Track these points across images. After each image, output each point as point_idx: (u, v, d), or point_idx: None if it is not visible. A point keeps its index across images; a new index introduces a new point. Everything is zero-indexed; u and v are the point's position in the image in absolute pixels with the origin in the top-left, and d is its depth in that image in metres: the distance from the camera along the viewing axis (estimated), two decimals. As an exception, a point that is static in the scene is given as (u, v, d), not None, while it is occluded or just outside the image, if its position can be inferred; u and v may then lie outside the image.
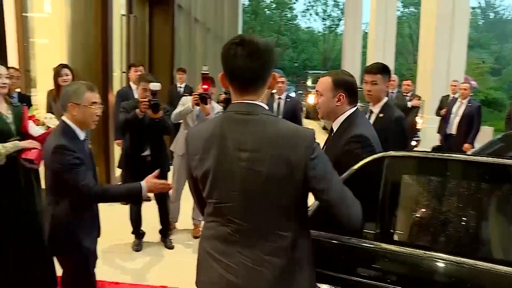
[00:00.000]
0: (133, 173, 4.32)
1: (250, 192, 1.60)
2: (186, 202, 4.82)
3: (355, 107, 2.43)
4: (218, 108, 4.74)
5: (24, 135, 3.23)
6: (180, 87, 7.89)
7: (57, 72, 4.86)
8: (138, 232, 4.70)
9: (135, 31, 7.77)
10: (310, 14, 48.71)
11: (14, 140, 3.15)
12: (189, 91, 7.53)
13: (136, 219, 4.67)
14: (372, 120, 3.40)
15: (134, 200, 4.32)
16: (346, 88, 2.40)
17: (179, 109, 4.69)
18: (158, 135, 4.58)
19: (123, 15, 7.59)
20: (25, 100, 4.68)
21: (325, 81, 2.41)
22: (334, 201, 1.64)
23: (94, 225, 2.73)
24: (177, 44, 8.99)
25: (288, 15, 47.09)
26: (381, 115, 3.36)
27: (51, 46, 6.69)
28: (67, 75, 4.84)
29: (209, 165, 1.64)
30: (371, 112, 3.44)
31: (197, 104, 4.45)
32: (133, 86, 5.77)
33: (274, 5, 45.80)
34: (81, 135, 2.56)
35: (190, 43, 10.51)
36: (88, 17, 5.94)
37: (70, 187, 2.45)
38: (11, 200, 3.21)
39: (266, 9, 45.71)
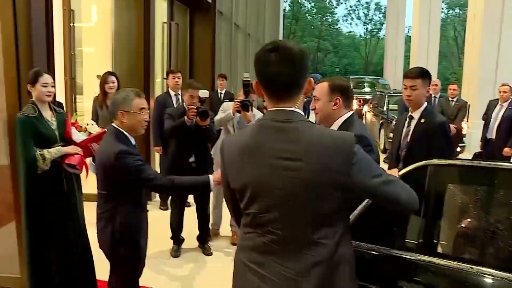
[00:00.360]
0: None
1: (291, 201, 1.55)
2: (225, 209, 4.79)
3: (352, 112, 2.57)
4: (259, 115, 4.71)
5: (67, 141, 3.33)
6: (221, 93, 7.95)
7: (104, 80, 5.03)
8: (177, 238, 4.71)
9: (176, 38, 7.86)
10: (352, 19, 48.26)
11: (58, 146, 3.24)
12: (229, 97, 7.61)
13: (177, 225, 4.68)
14: (412, 126, 3.31)
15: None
16: (342, 92, 2.52)
17: (220, 115, 4.69)
18: (203, 142, 4.60)
19: (165, 22, 7.71)
20: (60, 106, 4.77)
21: (322, 86, 2.54)
22: (390, 195, 1.60)
23: (146, 229, 2.80)
24: (217, 50, 9.05)
25: (329, 19, 46.79)
26: (422, 120, 3.25)
27: (97, 54, 6.87)
28: (113, 83, 4.99)
29: (247, 177, 1.60)
30: (411, 118, 3.33)
31: (238, 111, 4.44)
32: (172, 92, 5.82)
33: (315, 10, 45.59)
34: (132, 140, 2.64)
35: (231, 49, 10.56)
36: (132, 25, 6.05)
37: (140, 186, 2.60)
38: (55, 204, 3.29)
39: (307, 14, 45.53)
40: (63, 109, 5.01)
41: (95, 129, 3.49)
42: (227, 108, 4.68)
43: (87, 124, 3.55)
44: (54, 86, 3.32)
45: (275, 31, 20.74)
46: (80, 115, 3.68)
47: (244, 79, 4.36)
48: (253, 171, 1.58)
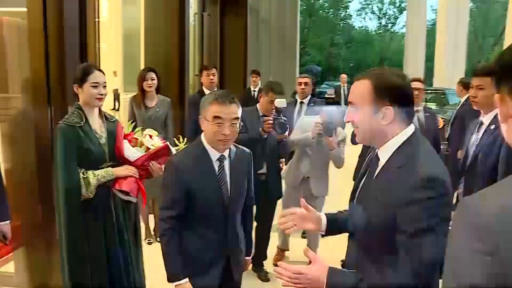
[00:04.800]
0: None
1: None
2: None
3: (412, 128, 1.56)
4: (343, 133, 4.03)
5: (118, 159, 2.64)
6: (254, 90, 7.47)
7: (142, 77, 4.40)
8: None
9: (208, 30, 7.27)
10: (366, 13, 47.49)
11: (107, 167, 2.58)
12: None
13: None
14: (480, 133, 2.88)
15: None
16: (394, 96, 1.50)
17: (296, 134, 3.96)
18: (276, 154, 3.94)
19: (196, 13, 7.12)
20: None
21: (361, 87, 1.55)
22: None
23: None
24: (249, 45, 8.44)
25: (342, 14, 46.21)
26: (492, 126, 2.81)
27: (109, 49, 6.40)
28: (152, 80, 4.38)
29: None
30: (481, 123, 2.91)
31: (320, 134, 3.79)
32: (206, 91, 5.15)
33: (327, 4, 45.03)
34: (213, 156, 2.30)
35: (258, 45, 9.95)
36: (166, 18, 5.45)
37: None
38: (101, 238, 2.64)
39: (320, 10, 44.95)
40: None
41: (153, 142, 2.71)
42: (305, 126, 3.93)
43: (144, 135, 2.74)
44: (105, 87, 2.60)
45: (293, 26, 20.13)
46: (137, 129, 2.82)
47: (327, 96, 3.72)
48: None
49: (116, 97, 16.73)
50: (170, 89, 5.08)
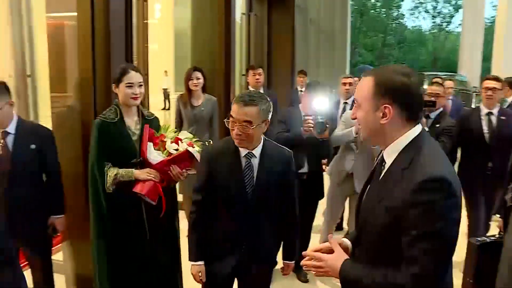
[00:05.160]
0: None
1: None
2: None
3: (419, 128, 1.49)
4: None
5: (143, 160, 2.70)
6: (301, 90, 7.37)
7: (188, 76, 4.48)
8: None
9: (255, 30, 7.27)
10: (419, 12, 46.18)
11: (137, 163, 2.69)
12: None
13: None
14: None
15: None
16: (396, 94, 1.45)
17: (340, 130, 3.89)
18: (317, 154, 3.88)
19: (243, 13, 7.12)
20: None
21: (364, 84, 1.50)
22: None
23: None
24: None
25: (394, 14, 45.11)
26: None
27: (161, 50, 6.57)
28: (198, 79, 4.46)
29: None
30: None
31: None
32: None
33: (379, 4, 44.10)
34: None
35: (306, 45, 9.86)
36: (212, 17, 5.46)
37: None
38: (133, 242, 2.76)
39: (371, 9, 44.08)
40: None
41: (179, 147, 2.69)
42: (349, 121, 3.83)
43: (171, 139, 2.71)
44: (142, 86, 2.67)
45: (344, 26, 19.82)
46: (166, 128, 2.83)
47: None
48: None
49: (166, 96, 17.05)
50: (216, 89, 5.09)
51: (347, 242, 1.69)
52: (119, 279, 2.72)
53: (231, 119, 2.19)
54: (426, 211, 1.31)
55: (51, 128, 3.18)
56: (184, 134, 2.81)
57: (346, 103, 5.06)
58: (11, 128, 2.71)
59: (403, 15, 45.58)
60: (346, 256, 1.50)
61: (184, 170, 2.68)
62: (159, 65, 14.93)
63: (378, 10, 44.59)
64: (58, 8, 3.53)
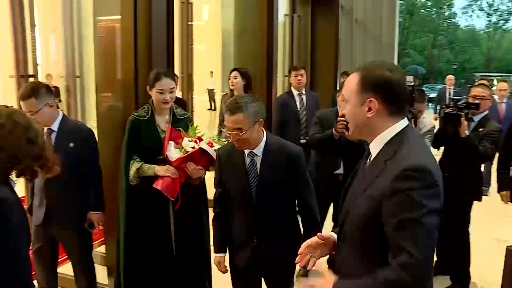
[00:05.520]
0: (326, 190, 3.72)
1: None
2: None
3: (405, 123, 1.52)
4: (428, 125, 3.91)
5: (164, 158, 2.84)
6: None
7: (229, 76, 4.66)
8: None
9: (298, 32, 7.26)
10: (473, 10, 44.53)
11: (158, 162, 2.83)
12: None
13: None
14: None
15: None
16: (379, 88, 1.48)
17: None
18: (354, 155, 3.87)
19: (286, 15, 7.14)
20: (181, 104, 4.45)
21: (351, 80, 1.55)
22: None
23: None
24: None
25: (445, 13, 43.76)
26: None
27: (207, 50, 6.70)
28: (235, 78, 4.57)
29: None
30: None
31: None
32: (294, 92, 5.18)
33: (430, 3, 42.89)
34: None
35: (351, 46, 9.74)
36: (255, 18, 5.51)
37: None
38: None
39: (421, 8, 42.94)
40: (184, 108, 4.66)
41: (197, 145, 2.80)
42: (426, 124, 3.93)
43: (191, 138, 2.82)
44: (173, 91, 2.88)
45: (391, 26, 19.43)
46: (194, 130, 2.92)
47: (408, 83, 3.58)
48: None
49: (211, 97, 17.27)
50: (258, 89, 5.12)
51: (334, 236, 1.70)
52: (137, 275, 2.91)
53: (227, 126, 2.36)
54: (405, 199, 1.33)
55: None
56: (215, 137, 2.95)
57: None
58: (55, 126, 2.86)
59: (455, 14, 44.25)
60: (334, 278, 1.48)
61: (200, 167, 2.78)
62: (206, 66, 15.21)
63: (428, 9, 43.37)
64: (105, 11, 3.67)
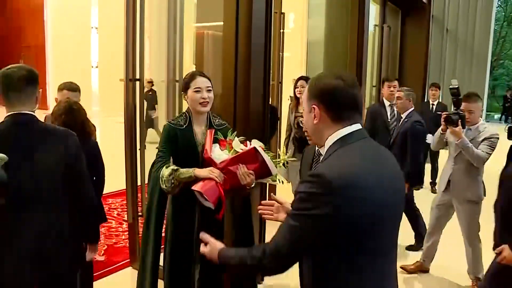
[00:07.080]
0: None
1: None
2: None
3: (353, 128, 1.50)
4: (488, 131, 3.78)
5: (205, 160, 2.61)
6: (433, 104, 7.19)
7: (295, 84, 4.94)
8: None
9: (387, 42, 7.23)
10: None
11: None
12: (442, 109, 6.81)
13: None
14: None
15: None
16: (321, 96, 1.51)
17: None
18: None
19: (376, 25, 7.13)
20: (273, 112, 4.80)
21: (305, 88, 1.62)
22: None
23: None
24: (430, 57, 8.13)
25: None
26: None
27: (293, 58, 6.89)
28: (302, 87, 4.78)
29: None
30: None
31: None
32: (386, 102, 5.23)
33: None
34: None
35: (441, 56, 9.49)
36: (345, 28, 5.61)
37: None
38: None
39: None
40: (276, 114, 4.90)
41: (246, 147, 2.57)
42: None
43: (235, 139, 2.62)
44: (211, 91, 2.67)
45: (485, 35, 18.53)
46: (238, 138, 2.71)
47: (452, 86, 3.66)
48: None
49: (292, 103, 17.36)
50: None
51: (289, 205, 1.78)
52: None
53: None
54: (298, 199, 1.42)
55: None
56: (256, 142, 2.60)
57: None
58: None
59: None
60: (221, 245, 1.64)
61: (252, 172, 2.48)
62: (292, 73, 15.35)
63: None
64: (207, 18, 3.90)
